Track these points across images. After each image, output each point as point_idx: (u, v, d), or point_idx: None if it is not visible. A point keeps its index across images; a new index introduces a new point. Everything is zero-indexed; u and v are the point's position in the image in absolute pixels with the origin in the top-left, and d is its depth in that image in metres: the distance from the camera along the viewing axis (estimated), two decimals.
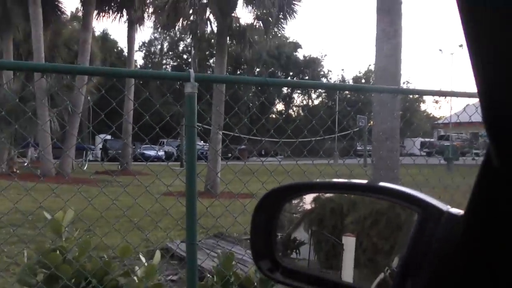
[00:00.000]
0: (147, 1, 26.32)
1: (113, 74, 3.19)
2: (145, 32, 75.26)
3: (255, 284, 3.21)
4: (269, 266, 0.92)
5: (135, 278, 2.99)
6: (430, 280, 0.65)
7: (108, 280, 2.92)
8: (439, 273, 0.64)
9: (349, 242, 0.87)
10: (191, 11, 18.34)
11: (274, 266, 0.92)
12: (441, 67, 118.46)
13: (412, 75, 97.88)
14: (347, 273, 0.85)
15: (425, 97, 56.68)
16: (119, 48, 54.10)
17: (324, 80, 56.02)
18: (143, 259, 3.18)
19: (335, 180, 0.91)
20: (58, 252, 2.93)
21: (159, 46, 58.37)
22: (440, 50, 71.20)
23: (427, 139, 34.63)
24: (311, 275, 0.91)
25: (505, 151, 0.49)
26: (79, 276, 2.92)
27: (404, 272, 0.71)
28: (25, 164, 22.16)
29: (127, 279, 2.99)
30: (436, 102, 57.97)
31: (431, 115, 59.58)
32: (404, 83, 49.93)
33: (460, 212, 0.66)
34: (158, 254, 3.17)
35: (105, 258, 3.16)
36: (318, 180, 1.02)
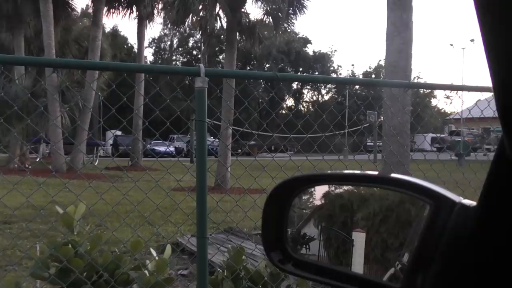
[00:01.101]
0: None
1: (124, 69, 3.20)
2: (155, 28, 75.44)
3: (265, 278, 3.21)
4: (280, 258, 0.92)
5: (146, 272, 3.01)
6: (441, 272, 0.65)
7: (119, 274, 2.94)
8: (451, 265, 0.63)
9: (359, 238, 0.87)
10: (200, 7, 18.36)
11: (285, 257, 0.92)
12: (452, 62, 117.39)
13: (423, 70, 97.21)
14: (357, 268, 0.85)
15: (436, 92, 56.28)
16: (129, 45, 54.30)
17: (334, 75, 55.80)
18: (154, 253, 3.20)
19: (346, 171, 0.91)
20: (70, 246, 2.95)
21: (168, 42, 58.53)
22: (451, 45, 70.75)
23: (438, 135, 34.38)
24: (323, 267, 0.91)
25: None
26: (91, 269, 2.94)
27: (415, 265, 0.70)
28: (37, 159, 22.37)
29: (138, 273, 3.01)
30: (448, 97, 57.53)
31: (442, 110, 59.13)
32: (414, 78, 49.59)
33: (473, 203, 0.65)
34: (168, 248, 3.19)
35: (116, 252, 3.18)
36: (329, 171, 1.02)
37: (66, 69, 14.53)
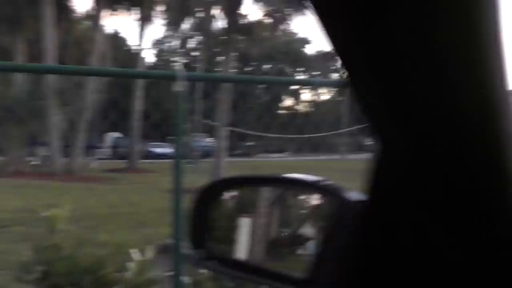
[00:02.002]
0: None
1: (107, 74, 3.24)
2: (156, 30, 75.36)
3: None
4: (206, 255, 0.96)
5: (129, 273, 3.05)
6: (337, 268, 0.65)
7: (102, 275, 2.98)
8: (345, 261, 0.64)
9: (245, 223, 0.94)
10: (199, 9, 18.42)
11: (211, 255, 0.96)
12: None
13: None
14: (242, 253, 0.93)
15: None
16: (130, 47, 54.25)
17: (335, 75, 55.64)
18: (137, 255, 3.23)
19: (264, 174, 0.95)
20: (53, 249, 2.99)
21: (169, 44, 58.43)
22: None
23: None
24: (245, 264, 0.95)
25: (379, 135, 0.50)
26: (74, 271, 2.98)
27: (317, 259, 0.72)
28: (35, 162, 22.38)
29: (120, 274, 3.05)
30: None
31: None
32: None
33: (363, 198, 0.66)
34: (150, 250, 3.22)
35: (99, 254, 3.22)
36: (257, 174, 1.07)
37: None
